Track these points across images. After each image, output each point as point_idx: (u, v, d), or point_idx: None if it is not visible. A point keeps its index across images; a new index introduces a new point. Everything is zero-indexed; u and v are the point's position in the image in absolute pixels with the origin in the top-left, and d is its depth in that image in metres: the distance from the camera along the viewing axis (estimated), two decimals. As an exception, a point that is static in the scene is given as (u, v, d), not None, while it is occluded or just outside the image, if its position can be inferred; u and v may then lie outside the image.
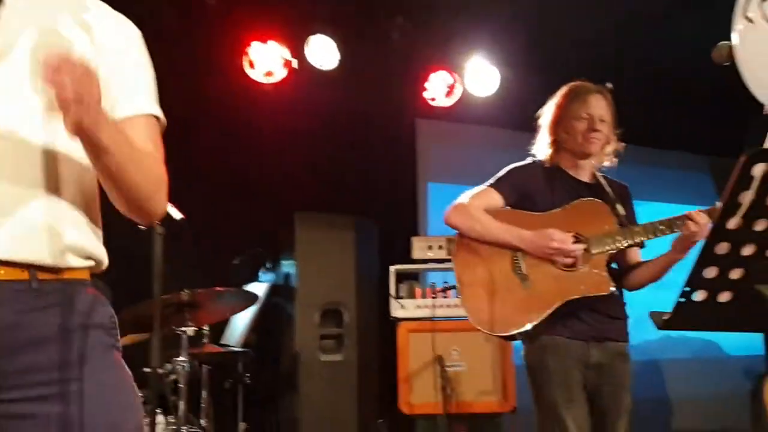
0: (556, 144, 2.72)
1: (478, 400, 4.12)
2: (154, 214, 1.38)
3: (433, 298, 4.23)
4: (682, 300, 1.29)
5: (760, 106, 1.80)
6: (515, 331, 2.57)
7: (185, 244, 4.11)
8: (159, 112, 1.40)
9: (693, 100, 5.08)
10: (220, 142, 4.62)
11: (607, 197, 2.68)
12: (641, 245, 2.67)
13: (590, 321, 2.56)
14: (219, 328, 4.50)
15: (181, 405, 3.09)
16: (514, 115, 5.34)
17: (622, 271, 2.71)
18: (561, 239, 2.51)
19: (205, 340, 3.72)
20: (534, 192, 2.68)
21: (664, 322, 1.32)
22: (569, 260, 2.52)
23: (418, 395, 4.10)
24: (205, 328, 3.69)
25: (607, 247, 2.54)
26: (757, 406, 3.90)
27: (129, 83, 1.35)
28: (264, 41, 4.48)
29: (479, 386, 4.14)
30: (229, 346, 4.28)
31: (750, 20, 1.62)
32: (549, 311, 2.50)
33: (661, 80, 4.92)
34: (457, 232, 2.71)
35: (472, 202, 2.69)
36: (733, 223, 1.22)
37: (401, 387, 4.15)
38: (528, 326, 2.53)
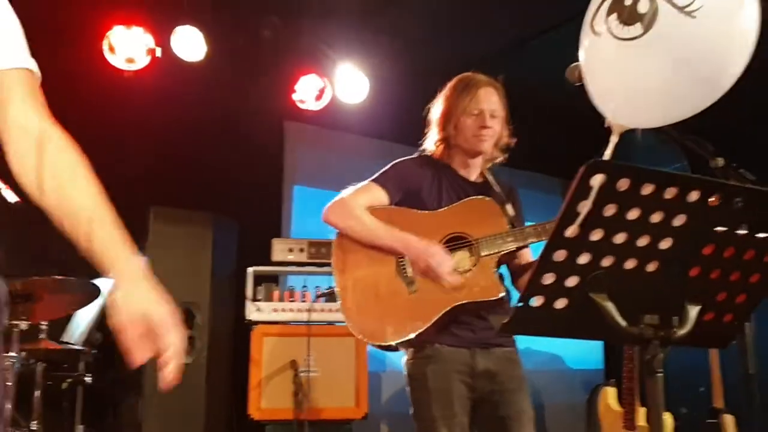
0: (446, 141, 2.56)
1: (330, 407, 4.08)
2: None
3: (313, 302, 4.16)
4: (520, 305, 1.31)
5: (610, 131, 1.87)
6: (399, 341, 2.37)
7: (26, 231, 3.83)
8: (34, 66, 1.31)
9: (546, 123, 5.31)
10: (73, 127, 4.33)
11: (497, 197, 2.55)
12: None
13: (476, 328, 2.43)
14: (60, 325, 4.22)
15: (8, 406, 2.85)
16: (382, 125, 5.41)
17: (513, 273, 2.59)
18: (441, 262, 2.33)
19: (42, 336, 3.48)
20: (420, 189, 2.51)
21: (502, 326, 1.33)
22: (438, 281, 2.34)
23: (270, 400, 4.01)
24: (42, 323, 3.45)
25: (497, 249, 2.38)
26: (592, 414, 4.11)
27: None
28: (128, 26, 4.26)
29: (332, 392, 4.11)
30: (70, 344, 4.02)
31: (596, 33, 1.68)
32: (435, 317, 2.33)
33: (517, 101, 5.12)
34: (336, 231, 2.50)
35: (353, 198, 2.48)
36: (570, 231, 1.25)
37: (252, 392, 4.04)
38: (412, 335, 2.33)
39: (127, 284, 1.16)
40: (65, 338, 4.19)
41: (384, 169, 2.56)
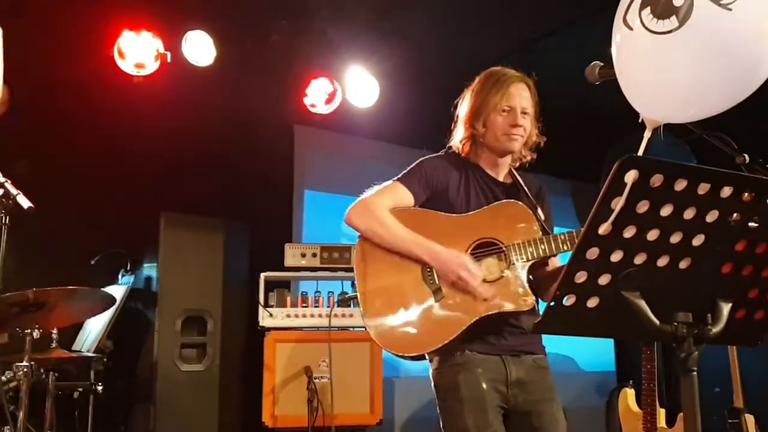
0: (473, 139, 2.42)
1: (345, 413, 4.04)
2: None
3: (336, 306, 4.12)
4: (552, 304, 1.28)
5: (619, 133, 1.84)
6: (426, 351, 2.27)
7: (36, 239, 3.82)
8: None
9: (555, 124, 5.28)
10: (83, 133, 4.33)
11: (527, 200, 2.42)
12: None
13: (506, 334, 2.32)
14: (71, 333, 4.21)
15: (20, 415, 2.82)
16: (392, 129, 5.39)
17: (539, 281, 2.41)
18: (472, 274, 2.21)
19: (53, 345, 3.45)
20: (447, 189, 2.38)
21: (534, 326, 1.30)
22: (468, 292, 2.24)
23: (284, 407, 3.99)
24: (53, 331, 3.42)
25: (528, 256, 2.27)
26: (612, 418, 4.07)
27: None
28: (137, 31, 4.25)
29: (347, 398, 4.07)
30: (81, 352, 4.01)
31: (629, 27, 1.65)
32: (463, 328, 2.22)
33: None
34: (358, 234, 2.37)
35: (377, 199, 2.34)
36: (603, 229, 1.22)
37: (266, 399, 4.02)
38: (439, 345, 2.22)
39: None
40: (76, 347, 4.18)
41: (409, 168, 2.43)
